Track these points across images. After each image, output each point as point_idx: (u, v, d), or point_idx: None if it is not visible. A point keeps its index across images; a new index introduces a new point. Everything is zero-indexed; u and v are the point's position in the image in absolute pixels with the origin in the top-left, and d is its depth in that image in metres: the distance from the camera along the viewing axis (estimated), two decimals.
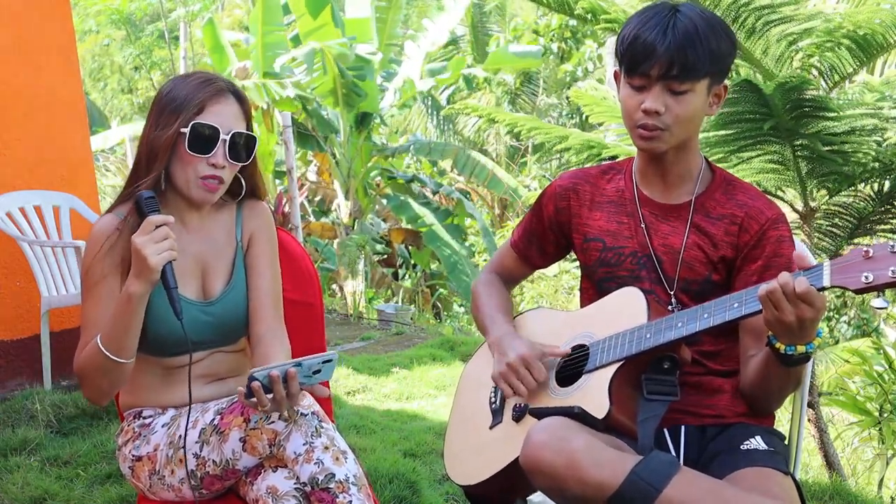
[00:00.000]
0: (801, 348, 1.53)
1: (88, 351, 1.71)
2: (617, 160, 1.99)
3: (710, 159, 1.88)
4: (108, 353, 1.67)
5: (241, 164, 1.82)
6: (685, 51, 1.63)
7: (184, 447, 1.74)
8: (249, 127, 1.84)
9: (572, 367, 1.75)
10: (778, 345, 1.54)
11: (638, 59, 1.67)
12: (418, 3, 14.73)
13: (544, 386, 1.76)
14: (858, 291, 1.42)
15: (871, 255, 1.41)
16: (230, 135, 1.77)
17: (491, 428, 1.83)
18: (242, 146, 1.80)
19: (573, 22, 11.86)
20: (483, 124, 13.00)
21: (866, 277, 1.40)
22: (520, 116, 4.59)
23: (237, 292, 1.88)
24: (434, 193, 11.28)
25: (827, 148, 3.23)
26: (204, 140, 1.75)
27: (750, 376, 1.72)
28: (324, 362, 1.60)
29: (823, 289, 1.46)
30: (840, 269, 1.44)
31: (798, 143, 3.31)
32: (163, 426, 1.83)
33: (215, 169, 1.77)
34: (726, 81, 1.76)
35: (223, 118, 1.77)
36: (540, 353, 1.77)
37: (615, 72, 1.78)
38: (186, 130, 1.73)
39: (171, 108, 1.75)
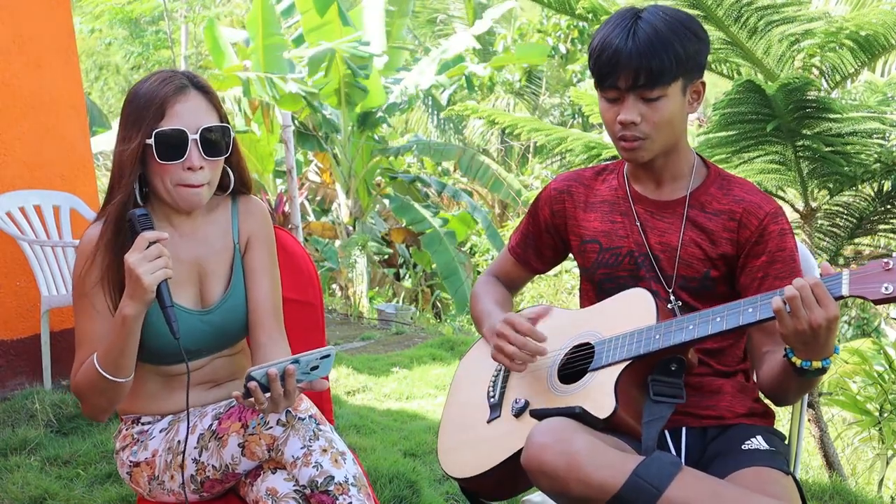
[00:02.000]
0: (816, 363, 1.52)
1: (85, 371, 1.67)
2: (613, 160, 1.99)
3: (712, 160, 1.87)
4: (105, 374, 1.63)
5: (221, 158, 1.74)
6: (649, 59, 1.62)
7: (183, 452, 1.72)
8: (222, 117, 1.75)
9: (576, 364, 1.75)
10: (794, 359, 1.54)
11: (605, 73, 1.67)
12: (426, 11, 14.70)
13: (546, 382, 1.76)
14: (878, 302, 1.44)
15: (890, 266, 1.42)
16: (199, 132, 1.68)
17: (489, 422, 1.82)
18: (217, 140, 1.71)
19: (583, 23, 11.82)
20: (485, 126, 12.98)
21: (886, 288, 1.41)
22: (520, 118, 4.58)
23: (236, 298, 1.84)
24: (438, 194, 11.28)
25: (829, 149, 3.22)
26: (172, 146, 1.66)
27: (766, 379, 1.71)
28: (321, 358, 1.58)
29: (842, 297, 1.46)
30: (859, 279, 1.44)
31: (800, 143, 3.30)
32: (160, 432, 1.81)
33: (193, 172, 1.69)
34: (704, 78, 1.74)
35: (188, 117, 1.68)
36: (526, 315, 1.77)
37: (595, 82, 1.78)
38: (152, 141, 1.65)
39: (133, 120, 1.68)
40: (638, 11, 1.69)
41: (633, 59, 1.63)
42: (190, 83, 1.72)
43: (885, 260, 1.43)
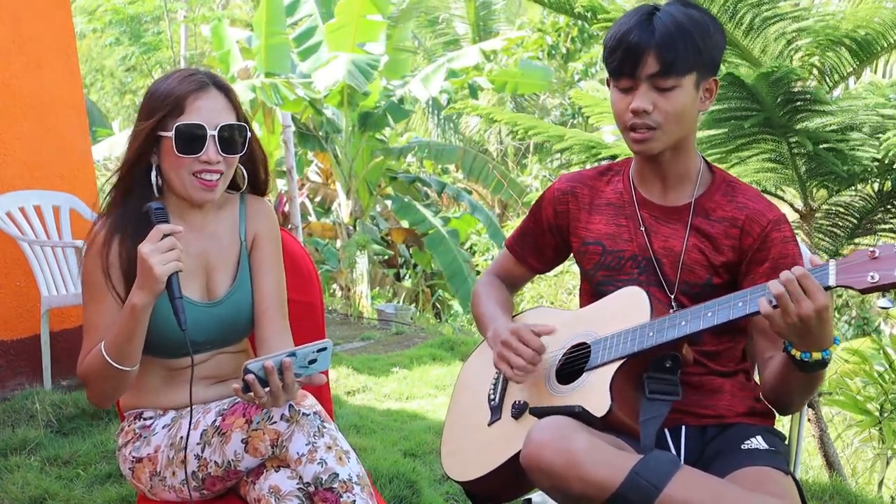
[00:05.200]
0: (816, 355, 1.52)
1: (92, 357, 1.70)
2: (616, 160, 1.99)
3: (707, 160, 1.88)
4: (111, 362, 1.66)
5: (237, 156, 1.79)
6: (666, 47, 1.63)
7: (185, 448, 1.73)
8: (240, 117, 1.79)
9: (573, 365, 1.75)
10: (794, 351, 1.54)
11: (621, 61, 1.67)
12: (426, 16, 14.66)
13: (544, 383, 1.76)
14: (864, 291, 1.44)
15: (876, 255, 1.42)
16: (218, 129, 1.73)
17: (489, 425, 1.83)
18: (234, 137, 1.76)
19: (582, 21, 11.75)
20: (483, 124, 12.98)
21: (872, 277, 1.41)
22: (520, 116, 4.58)
23: (242, 292, 1.86)
24: (438, 194, 11.28)
25: (823, 146, 3.21)
26: (191, 140, 1.71)
27: (770, 380, 1.71)
28: (318, 350, 1.60)
29: (829, 288, 1.46)
30: (845, 269, 1.45)
31: (794, 140, 3.29)
32: (163, 427, 1.82)
33: (209, 165, 1.73)
34: (717, 76, 1.75)
35: (207, 114, 1.73)
36: (530, 327, 1.77)
37: (606, 79, 1.78)
38: (171, 134, 1.70)
39: (149, 111, 1.74)
40: (655, 6, 1.70)
41: (650, 47, 1.63)
42: (211, 82, 1.77)
43: (872, 249, 1.43)
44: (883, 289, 1.42)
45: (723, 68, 3.55)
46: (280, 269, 1.92)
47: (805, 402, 1.78)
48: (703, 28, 1.67)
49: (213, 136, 1.73)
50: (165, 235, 1.63)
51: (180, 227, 1.67)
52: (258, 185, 1.93)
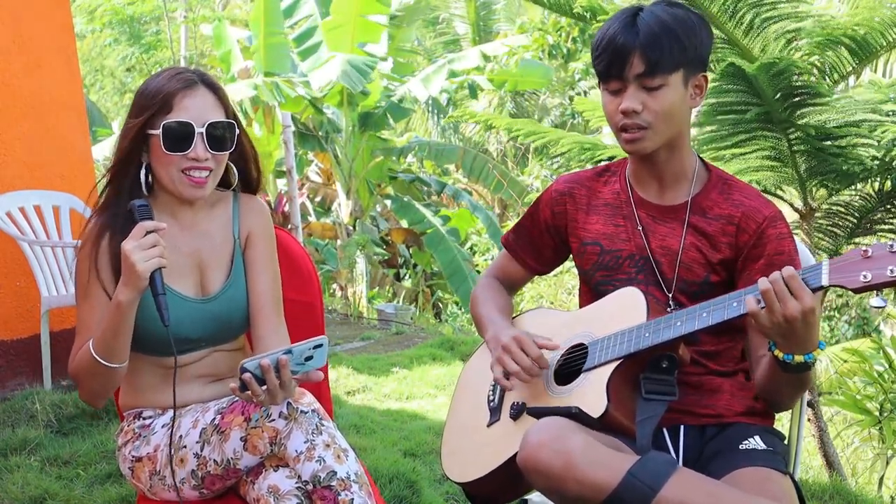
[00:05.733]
0: (798, 357, 1.53)
1: (81, 355, 1.72)
2: (613, 161, 1.99)
3: (704, 156, 1.88)
4: (99, 359, 1.68)
5: (225, 153, 1.80)
6: (650, 47, 1.64)
7: (170, 451, 1.74)
8: (229, 115, 1.80)
9: (571, 365, 1.75)
10: (776, 352, 1.55)
11: (607, 64, 1.69)
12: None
13: (543, 384, 1.76)
14: (857, 290, 1.44)
15: (869, 254, 1.42)
16: (205, 126, 1.74)
17: (489, 426, 1.83)
18: (222, 135, 1.77)
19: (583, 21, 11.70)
20: (482, 128, 12.99)
21: (865, 276, 1.41)
22: (517, 120, 4.59)
23: (237, 288, 1.87)
24: (438, 194, 11.27)
25: (826, 143, 3.20)
26: (179, 137, 1.72)
27: (759, 377, 1.72)
28: (314, 347, 1.60)
29: (822, 287, 1.46)
30: (839, 268, 1.45)
31: (794, 136, 3.28)
32: (162, 426, 1.82)
33: (197, 162, 1.74)
34: (707, 72, 1.75)
35: (195, 111, 1.74)
36: (533, 338, 1.77)
37: (598, 82, 1.79)
38: (159, 132, 1.72)
39: (138, 109, 1.75)
40: (640, 7, 1.71)
41: (634, 47, 1.65)
42: (199, 79, 1.78)
43: (865, 248, 1.43)
44: (876, 288, 1.42)
45: (724, 61, 3.57)
46: (275, 266, 1.93)
47: (796, 400, 1.78)
48: (688, 25, 1.68)
49: (201, 133, 1.74)
50: (149, 232, 1.64)
51: (164, 224, 1.68)
52: (250, 183, 1.94)
